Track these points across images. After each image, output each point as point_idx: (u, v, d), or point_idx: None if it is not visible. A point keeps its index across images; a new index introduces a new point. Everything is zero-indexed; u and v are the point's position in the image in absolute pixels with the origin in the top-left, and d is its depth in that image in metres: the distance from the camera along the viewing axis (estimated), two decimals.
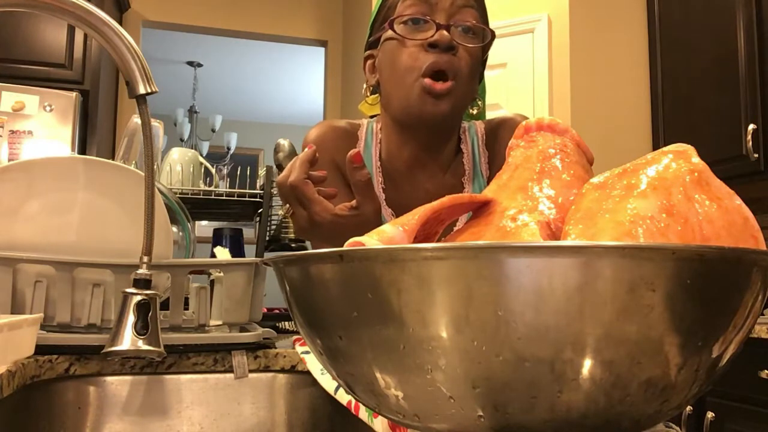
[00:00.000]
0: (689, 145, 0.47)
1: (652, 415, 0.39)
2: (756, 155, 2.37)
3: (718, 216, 0.43)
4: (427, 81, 0.87)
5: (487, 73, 1.06)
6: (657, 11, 2.96)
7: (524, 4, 2.99)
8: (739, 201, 0.44)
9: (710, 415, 2.01)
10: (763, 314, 2.19)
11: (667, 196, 0.43)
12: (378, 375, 0.39)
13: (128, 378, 0.92)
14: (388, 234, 0.45)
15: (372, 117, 1.06)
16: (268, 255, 0.99)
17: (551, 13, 2.94)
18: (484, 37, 0.93)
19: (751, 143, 2.38)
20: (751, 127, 2.38)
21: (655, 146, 2.91)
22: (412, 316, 0.36)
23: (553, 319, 0.34)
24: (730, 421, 1.97)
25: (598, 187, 0.46)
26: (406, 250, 0.36)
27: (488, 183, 0.99)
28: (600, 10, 2.98)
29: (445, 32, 0.88)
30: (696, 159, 0.46)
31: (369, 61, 0.98)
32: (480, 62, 0.96)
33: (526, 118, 1.01)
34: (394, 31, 0.90)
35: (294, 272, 0.43)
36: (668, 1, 2.90)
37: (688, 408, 2.06)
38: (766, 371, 1.85)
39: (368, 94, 1.00)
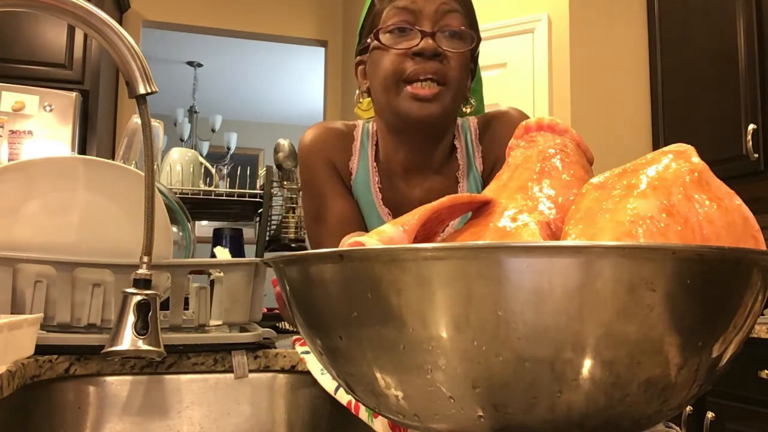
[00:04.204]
0: (689, 145, 0.47)
1: (652, 415, 0.39)
2: (756, 155, 2.37)
3: (718, 216, 0.43)
4: (409, 88, 0.88)
5: (487, 73, 1.07)
6: (657, 11, 2.96)
7: (524, 4, 2.99)
8: (739, 201, 0.44)
9: (710, 415, 2.01)
10: (763, 314, 2.19)
11: (668, 196, 0.43)
12: (378, 375, 0.39)
13: (128, 378, 0.92)
14: (388, 234, 0.45)
15: (368, 119, 1.07)
16: (268, 255, 0.99)
17: (551, 13, 2.94)
18: (471, 40, 0.93)
19: (751, 143, 2.37)
20: (751, 127, 2.38)
21: (655, 146, 2.90)
22: (412, 316, 0.36)
23: (553, 319, 0.34)
24: (730, 421, 1.97)
25: (598, 187, 0.46)
26: (406, 250, 0.36)
27: (482, 176, 0.99)
28: (600, 9, 2.98)
29: (430, 40, 0.88)
30: (696, 159, 0.46)
31: (360, 67, 0.99)
32: (469, 62, 0.96)
33: (520, 111, 1.02)
34: (380, 42, 0.91)
35: (294, 272, 0.43)
36: (668, 1, 2.90)
37: (688, 408, 2.06)
38: (766, 371, 1.85)
39: (361, 99, 1.01)
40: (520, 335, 0.34)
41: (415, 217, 0.47)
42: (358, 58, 1.00)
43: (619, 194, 0.44)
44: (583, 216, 0.44)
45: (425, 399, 0.38)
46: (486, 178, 1.00)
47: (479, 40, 0.94)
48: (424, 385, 0.37)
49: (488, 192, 0.53)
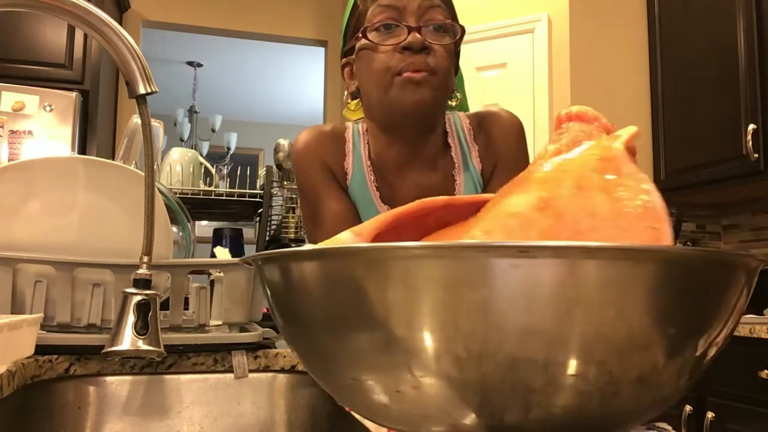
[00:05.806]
0: (633, 128, 0.45)
1: (643, 410, 0.39)
2: (756, 155, 2.36)
3: (605, 207, 0.40)
4: (405, 75, 0.90)
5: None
6: (657, 11, 2.96)
7: (524, 4, 2.99)
8: (643, 192, 0.41)
9: (710, 415, 2.01)
10: (762, 314, 2.19)
11: (552, 188, 0.41)
12: (365, 378, 0.38)
13: (128, 378, 0.92)
14: (341, 240, 0.45)
15: (356, 120, 1.08)
16: None
17: (551, 13, 2.94)
18: (455, 33, 0.96)
19: (751, 143, 2.37)
20: (751, 127, 2.38)
21: (655, 146, 2.90)
22: (396, 317, 0.36)
23: (537, 320, 0.34)
24: (730, 421, 1.97)
25: (513, 183, 0.45)
26: (393, 248, 0.36)
27: (482, 176, 1.01)
28: (600, 9, 2.98)
29: (417, 34, 0.91)
30: (616, 144, 0.44)
31: (346, 69, 1.01)
32: (453, 56, 0.98)
33: (509, 112, 1.04)
34: (368, 40, 0.92)
35: (272, 271, 0.42)
36: (668, 2, 2.90)
37: (688, 408, 2.06)
38: (766, 371, 1.85)
39: (349, 100, 1.02)
40: (508, 336, 0.34)
41: (377, 221, 0.47)
42: (344, 59, 1.01)
43: (510, 190, 0.43)
44: (483, 212, 0.44)
45: (416, 402, 0.38)
46: (486, 178, 1.01)
47: (464, 32, 0.96)
48: (415, 387, 0.37)
49: (501, 191, 0.53)
